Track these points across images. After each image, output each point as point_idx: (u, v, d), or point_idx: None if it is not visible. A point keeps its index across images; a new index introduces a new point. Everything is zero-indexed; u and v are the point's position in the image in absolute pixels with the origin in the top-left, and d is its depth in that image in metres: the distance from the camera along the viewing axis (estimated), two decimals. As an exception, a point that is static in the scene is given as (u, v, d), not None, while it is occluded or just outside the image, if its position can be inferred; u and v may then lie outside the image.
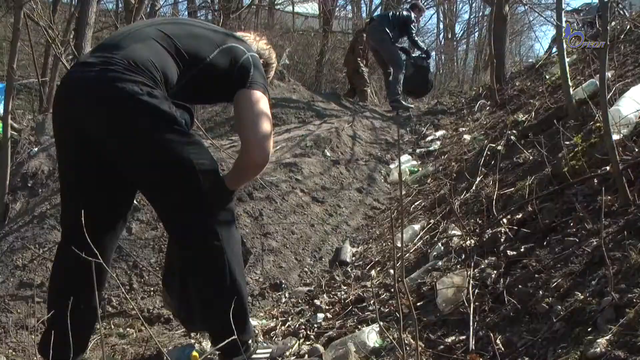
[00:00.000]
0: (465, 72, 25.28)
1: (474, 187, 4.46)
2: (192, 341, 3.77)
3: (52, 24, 7.22)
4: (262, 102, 2.93)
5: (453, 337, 2.47)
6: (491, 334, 2.29)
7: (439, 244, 3.63)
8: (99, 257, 1.96)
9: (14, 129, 6.21)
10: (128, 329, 4.15)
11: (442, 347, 2.44)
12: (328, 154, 6.90)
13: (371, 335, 2.84)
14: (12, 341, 4.09)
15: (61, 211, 3.08)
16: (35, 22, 6.59)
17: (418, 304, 3.04)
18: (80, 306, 2.94)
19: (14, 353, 3.96)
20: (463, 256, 3.29)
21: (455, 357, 2.28)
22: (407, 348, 2.60)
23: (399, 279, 2.48)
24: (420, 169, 6.83)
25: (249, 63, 2.98)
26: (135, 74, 2.65)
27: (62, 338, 2.78)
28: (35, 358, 3.74)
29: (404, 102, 9.96)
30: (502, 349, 2.17)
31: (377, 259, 4.38)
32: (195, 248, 2.90)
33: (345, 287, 4.01)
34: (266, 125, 2.89)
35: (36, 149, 5.90)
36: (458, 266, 3.16)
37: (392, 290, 3.55)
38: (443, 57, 26.05)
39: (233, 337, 2.43)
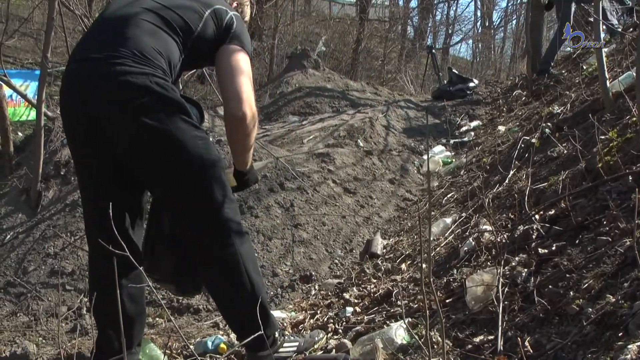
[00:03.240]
0: (503, 60, 25.04)
1: (506, 181, 4.40)
2: (221, 332, 3.77)
3: (88, 13, 7.24)
4: (240, 57, 2.85)
5: (481, 337, 2.43)
6: (520, 335, 2.25)
7: (470, 239, 3.58)
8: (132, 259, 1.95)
9: (47, 117, 6.25)
10: (157, 319, 4.16)
11: (470, 346, 2.40)
12: (361, 144, 6.87)
13: (399, 332, 2.81)
14: (42, 329, 4.13)
15: (85, 220, 3.01)
16: (71, 10, 6.60)
17: (447, 300, 3.00)
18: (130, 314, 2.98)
19: (44, 341, 4.00)
20: (493, 252, 3.24)
21: (483, 357, 2.24)
22: (434, 347, 2.57)
23: (426, 278, 2.44)
24: (453, 160, 6.77)
25: (231, 22, 2.88)
26: (144, 66, 2.61)
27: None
28: (64, 346, 3.76)
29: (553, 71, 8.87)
30: (531, 351, 2.12)
31: (407, 252, 4.34)
32: (208, 251, 2.88)
33: (375, 281, 3.98)
34: (244, 79, 2.79)
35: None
36: (488, 263, 3.11)
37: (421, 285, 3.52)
38: (480, 46, 25.81)
39: (259, 333, 2.43)
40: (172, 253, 3.11)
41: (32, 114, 8.30)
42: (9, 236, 5.10)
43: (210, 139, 2.91)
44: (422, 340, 2.65)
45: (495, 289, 2.64)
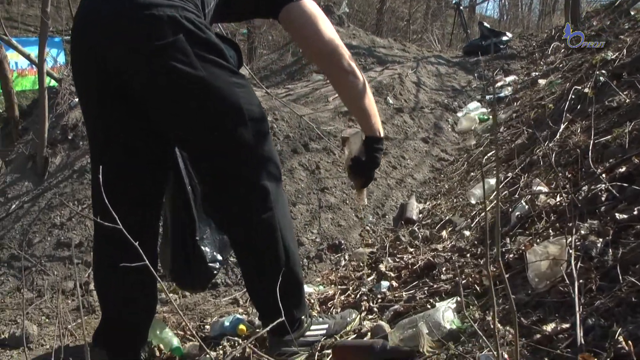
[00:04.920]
0: (530, 18, 24.32)
1: (557, 136, 3.91)
2: (240, 310, 3.38)
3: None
4: (316, 10, 2.50)
5: (553, 325, 1.96)
6: (605, 324, 1.80)
7: (522, 202, 3.12)
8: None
9: (54, 78, 5.86)
10: (171, 295, 3.77)
11: (538, 336, 1.94)
12: (391, 101, 6.38)
13: (447, 315, 2.36)
14: (46, 306, 3.77)
15: (92, 196, 2.65)
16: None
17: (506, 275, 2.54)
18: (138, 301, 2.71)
19: (47, 320, 3.64)
20: (552, 218, 2.79)
21: (559, 352, 1.78)
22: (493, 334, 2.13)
23: (491, 256, 1.96)
24: (491, 116, 6.28)
25: None
26: None
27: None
28: (69, 326, 3.40)
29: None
30: (625, 347, 1.65)
31: (447, 217, 3.89)
32: (243, 215, 2.51)
33: (412, 250, 3.55)
34: (333, 33, 2.50)
35: (77, 100, 5.50)
36: (550, 231, 2.65)
37: (467, 255, 3.07)
38: (507, 3, 25.06)
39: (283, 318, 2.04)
40: (170, 243, 2.88)
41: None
42: (14, 206, 4.73)
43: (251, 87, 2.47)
44: (479, 324, 2.23)
45: (565, 263, 2.19)
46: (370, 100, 2.61)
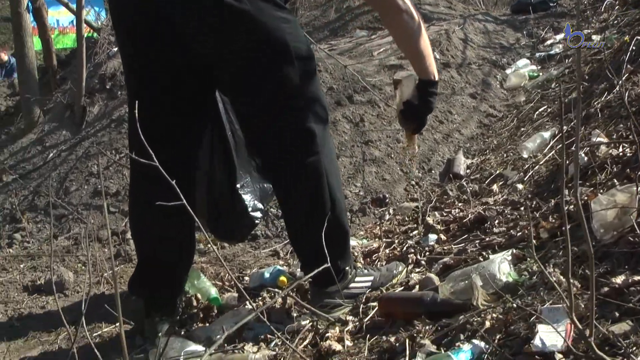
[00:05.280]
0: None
1: (617, 88, 3.69)
2: (280, 262, 3.26)
3: None
4: None
5: (623, 277, 1.80)
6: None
7: (581, 153, 2.93)
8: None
9: (92, 27, 5.76)
10: (209, 246, 3.67)
11: (606, 289, 1.79)
12: (437, 56, 6.16)
13: (503, 266, 2.21)
14: (82, 254, 3.69)
15: (129, 135, 2.63)
16: None
17: (562, 228, 2.37)
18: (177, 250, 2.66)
19: (83, 268, 3.56)
20: (614, 169, 2.61)
21: (632, 306, 1.63)
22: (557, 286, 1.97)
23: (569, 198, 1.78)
24: (541, 73, 6.05)
25: None
26: None
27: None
28: (105, 273, 3.32)
29: None
30: None
31: (498, 172, 3.71)
32: (287, 160, 2.40)
33: (460, 204, 3.39)
34: None
35: (116, 49, 5.39)
36: (615, 181, 2.47)
37: (521, 208, 2.91)
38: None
39: (327, 265, 1.92)
40: (210, 192, 2.73)
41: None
42: (51, 154, 4.68)
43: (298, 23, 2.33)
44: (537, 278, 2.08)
45: (635, 212, 2.01)
46: (425, 41, 2.45)
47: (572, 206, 2.45)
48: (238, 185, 2.78)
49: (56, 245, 3.92)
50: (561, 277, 1.95)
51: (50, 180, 4.39)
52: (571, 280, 1.88)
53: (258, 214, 2.86)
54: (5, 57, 8.96)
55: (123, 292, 2.88)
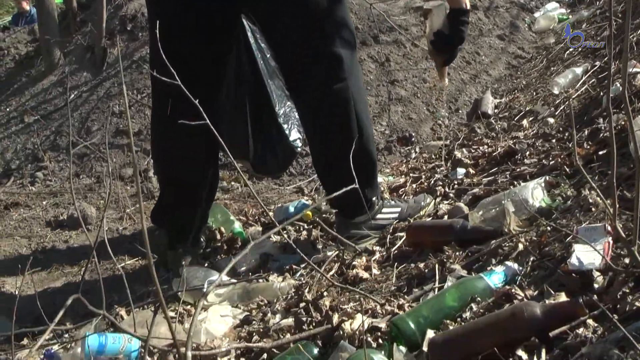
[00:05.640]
0: None
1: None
2: (305, 198, 3.21)
3: None
4: None
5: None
6: None
7: (617, 84, 2.83)
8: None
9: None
10: (232, 183, 3.62)
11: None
12: (464, -1, 6.02)
13: (536, 192, 2.14)
14: (104, 192, 3.66)
15: (150, 53, 2.57)
16: None
17: (599, 153, 2.29)
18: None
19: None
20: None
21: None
22: (592, 209, 1.90)
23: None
24: (570, 16, 5.90)
25: None
26: None
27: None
28: (128, 210, 3.29)
29: None
30: None
31: (528, 108, 3.61)
32: (313, 86, 2.34)
33: (488, 141, 3.30)
34: None
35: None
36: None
37: (553, 140, 2.82)
38: None
39: (354, 186, 1.86)
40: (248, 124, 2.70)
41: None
42: (72, 95, 4.63)
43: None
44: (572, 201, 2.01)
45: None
46: None
47: (606, 133, 2.36)
48: (275, 115, 2.73)
49: (78, 184, 3.90)
50: (598, 199, 1.87)
51: (71, 120, 4.36)
52: (609, 203, 1.81)
53: (298, 142, 2.82)
54: (27, 7, 8.86)
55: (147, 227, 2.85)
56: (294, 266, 2.48)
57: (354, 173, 2.00)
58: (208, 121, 1.55)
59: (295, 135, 2.77)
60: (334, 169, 2.43)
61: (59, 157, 4.15)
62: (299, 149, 2.85)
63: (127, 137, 4.06)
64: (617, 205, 1.69)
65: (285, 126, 2.74)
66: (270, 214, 3.11)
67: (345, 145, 2.29)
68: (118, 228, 3.24)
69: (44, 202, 3.68)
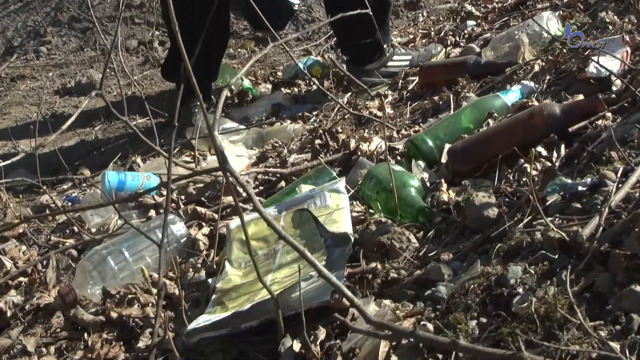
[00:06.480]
0: None
1: None
2: (313, 54, 3.19)
3: None
4: None
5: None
6: None
7: None
8: None
9: None
10: (239, 50, 3.60)
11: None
12: None
13: (551, 23, 2.12)
14: (111, 62, 3.62)
15: None
16: None
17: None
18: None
19: (112, 73, 3.51)
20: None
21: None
22: (609, 27, 1.89)
23: None
24: None
25: None
26: None
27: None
28: (135, 77, 3.27)
29: None
30: None
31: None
32: None
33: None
34: None
35: None
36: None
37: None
38: None
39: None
40: None
41: None
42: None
43: None
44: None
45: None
46: None
47: None
48: None
49: (83, 56, 3.88)
50: (615, 18, 1.86)
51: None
52: (626, 20, 1.80)
53: (296, 0, 2.76)
54: None
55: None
56: (306, 113, 2.49)
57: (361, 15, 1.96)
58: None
59: None
60: (346, 9, 2.39)
61: (62, 32, 4.08)
62: (296, 7, 2.79)
63: (129, 10, 3.98)
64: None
65: None
66: (279, 74, 3.11)
67: None
68: (127, 92, 3.23)
69: (50, 74, 3.66)
